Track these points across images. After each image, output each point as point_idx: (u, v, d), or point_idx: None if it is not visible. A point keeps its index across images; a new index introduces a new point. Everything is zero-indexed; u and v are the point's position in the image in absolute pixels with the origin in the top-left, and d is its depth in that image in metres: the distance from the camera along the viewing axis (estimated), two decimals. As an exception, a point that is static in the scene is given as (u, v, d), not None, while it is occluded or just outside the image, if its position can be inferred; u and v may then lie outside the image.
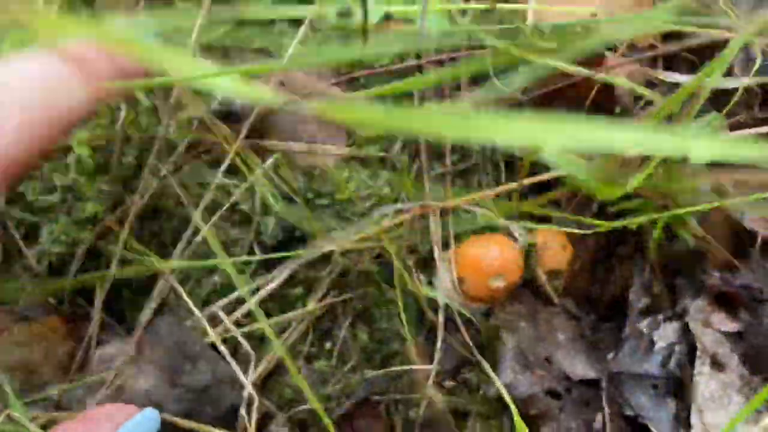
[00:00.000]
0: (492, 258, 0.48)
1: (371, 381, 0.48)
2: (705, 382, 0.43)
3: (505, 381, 0.45)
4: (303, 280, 0.49)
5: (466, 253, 0.49)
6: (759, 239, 0.48)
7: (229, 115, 0.48)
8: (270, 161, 0.48)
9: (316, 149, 0.49)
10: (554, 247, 0.51)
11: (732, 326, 0.46)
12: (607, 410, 0.45)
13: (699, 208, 0.43)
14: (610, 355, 0.48)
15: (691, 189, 0.44)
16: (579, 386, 0.46)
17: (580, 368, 0.47)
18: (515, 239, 0.50)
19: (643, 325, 0.48)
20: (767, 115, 0.49)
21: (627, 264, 0.52)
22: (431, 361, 0.47)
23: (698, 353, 0.44)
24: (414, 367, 0.46)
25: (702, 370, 0.43)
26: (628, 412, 0.46)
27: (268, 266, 0.48)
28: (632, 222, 0.45)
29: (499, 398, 0.45)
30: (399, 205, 0.48)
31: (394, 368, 0.48)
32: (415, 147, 0.50)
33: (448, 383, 0.46)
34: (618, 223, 0.46)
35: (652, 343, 0.47)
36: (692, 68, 0.51)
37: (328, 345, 0.50)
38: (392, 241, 0.47)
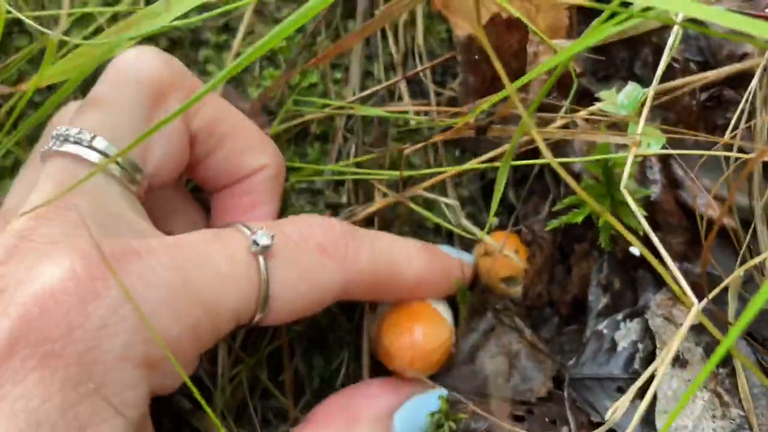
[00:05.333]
0: (405, 348, 0.42)
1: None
2: (667, 381, 0.41)
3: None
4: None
5: (380, 336, 0.43)
6: (716, 225, 0.46)
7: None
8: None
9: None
10: (507, 253, 0.49)
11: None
12: (572, 421, 0.43)
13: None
14: (572, 362, 0.46)
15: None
16: (541, 404, 0.44)
17: (538, 384, 0.45)
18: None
19: (603, 326, 0.45)
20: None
21: (586, 261, 0.49)
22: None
23: (657, 351, 0.41)
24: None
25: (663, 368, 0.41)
26: (595, 419, 0.43)
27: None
28: (575, 216, 0.43)
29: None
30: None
31: None
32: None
33: None
34: (559, 221, 0.44)
35: (614, 343, 0.45)
36: None
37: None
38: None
